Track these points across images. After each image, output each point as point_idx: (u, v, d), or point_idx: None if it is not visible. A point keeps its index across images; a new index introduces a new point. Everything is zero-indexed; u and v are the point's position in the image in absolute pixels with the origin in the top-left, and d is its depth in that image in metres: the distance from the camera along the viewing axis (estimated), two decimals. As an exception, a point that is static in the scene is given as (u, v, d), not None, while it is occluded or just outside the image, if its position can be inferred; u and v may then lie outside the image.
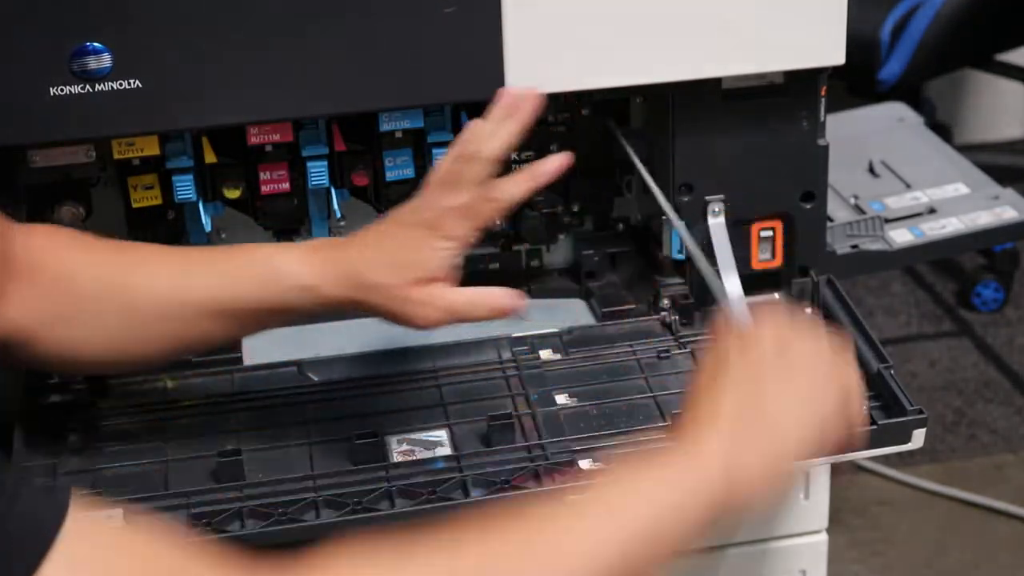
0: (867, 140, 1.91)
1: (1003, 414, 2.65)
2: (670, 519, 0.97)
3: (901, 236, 1.66)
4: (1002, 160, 3.22)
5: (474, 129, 1.24)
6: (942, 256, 2.15)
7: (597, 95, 1.44)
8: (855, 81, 2.80)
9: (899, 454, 1.87)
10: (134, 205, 1.44)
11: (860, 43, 2.72)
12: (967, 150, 2.09)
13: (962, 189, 1.78)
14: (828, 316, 1.50)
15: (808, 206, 1.50)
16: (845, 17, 1.40)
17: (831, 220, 1.61)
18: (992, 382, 2.75)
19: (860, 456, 1.37)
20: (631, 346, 1.48)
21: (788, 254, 1.52)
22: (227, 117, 1.35)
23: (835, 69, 1.44)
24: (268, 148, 1.43)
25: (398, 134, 1.44)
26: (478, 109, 1.45)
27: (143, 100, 1.30)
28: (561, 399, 1.41)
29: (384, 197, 1.49)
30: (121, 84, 1.29)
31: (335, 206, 1.47)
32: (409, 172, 1.47)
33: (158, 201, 1.44)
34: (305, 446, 1.35)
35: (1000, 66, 3.04)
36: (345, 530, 1.30)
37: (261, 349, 1.50)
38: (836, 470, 1.79)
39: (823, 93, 1.47)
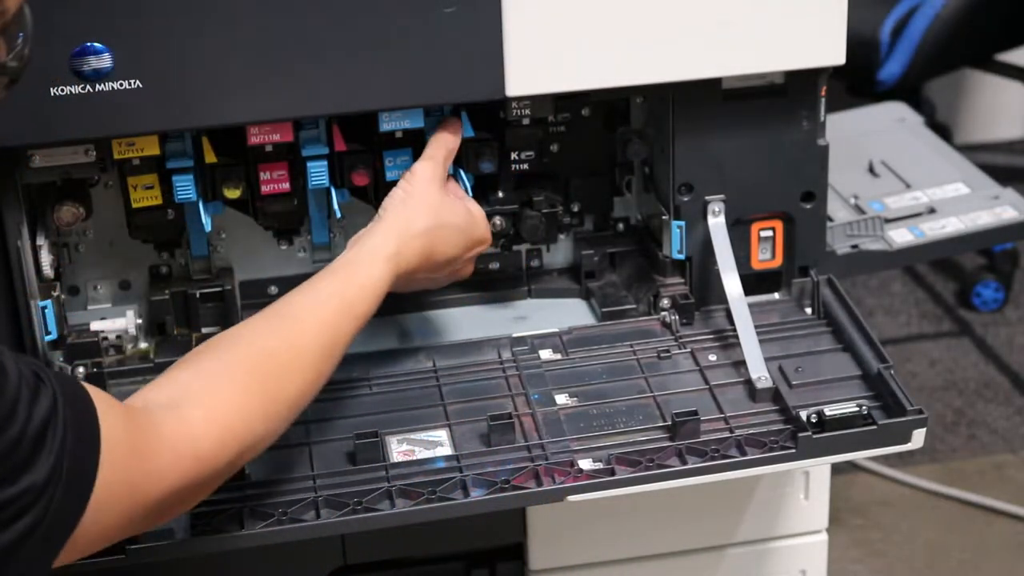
0: (867, 140, 1.91)
1: (1003, 414, 2.65)
2: (356, 297, 1.28)
3: (901, 236, 1.66)
4: (1002, 160, 3.22)
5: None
6: (942, 256, 2.15)
7: (597, 95, 1.44)
8: (855, 81, 2.80)
9: (899, 454, 1.88)
10: (134, 205, 1.44)
11: (860, 43, 2.72)
12: (967, 150, 2.09)
13: (962, 189, 1.78)
14: (828, 316, 1.50)
15: (808, 206, 1.50)
16: (845, 17, 1.40)
17: (831, 220, 1.61)
18: (992, 382, 2.75)
19: (860, 456, 1.37)
20: (631, 346, 1.48)
21: (788, 254, 1.52)
22: (227, 117, 1.35)
23: (835, 69, 1.44)
24: (268, 148, 1.43)
25: (398, 134, 1.45)
26: (478, 109, 1.45)
27: (143, 100, 1.30)
28: (561, 399, 1.41)
29: (384, 197, 1.49)
30: (121, 84, 1.30)
31: (335, 206, 1.47)
32: (409, 172, 1.47)
33: (158, 201, 1.44)
34: (305, 446, 1.35)
35: (1000, 66, 3.03)
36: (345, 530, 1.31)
37: (261, 349, 1.50)
38: (836, 470, 1.79)
39: (823, 93, 1.47)
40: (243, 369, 1.20)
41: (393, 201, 1.36)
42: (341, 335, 1.26)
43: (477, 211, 1.41)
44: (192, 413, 1.14)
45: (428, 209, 1.35)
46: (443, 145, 1.41)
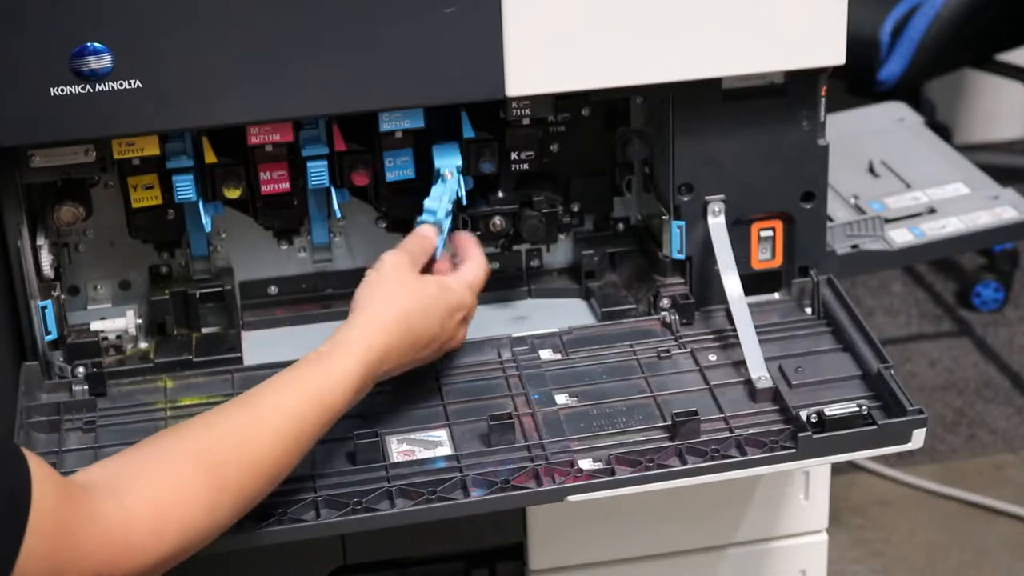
0: (867, 140, 1.91)
1: (1003, 414, 2.65)
2: (327, 388, 1.24)
3: (901, 236, 1.66)
4: (1002, 160, 3.22)
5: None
6: (942, 256, 2.15)
7: (597, 95, 1.44)
8: (855, 81, 2.80)
9: (899, 454, 1.88)
10: (134, 205, 1.44)
11: (860, 43, 2.72)
12: (967, 150, 2.09)
13: (962, 189, 1.78)
14: (828, 316, 1.50)
15: (808, 206, 1.50)
16: (845, 17, 1.40)
17: (831, 220, 1.61)
18: (992, 382, 2.75)
19: (860, 456, 1.37)
20: (631, 346, 1.48)
21: (788, 254, 1.52)
22: (227, 117, 1.35)
23: (835, 69, 1.44)
24: (268, 148, 1.43)
25: (398, 134, 1.45)
26: (478, 109, 1.45)
27: (143, 100, 1.30)
28: (561, 399, 1.41)
29: (384, 197, 1.50)
30: (121, 84, 1.30)
31: (335, 206, 1.47)
32: (409, 172, 1.47)
33: (158, 201, 1.45)
34: (305, 446, 1.35)
35: (1000, 66, 3.04)
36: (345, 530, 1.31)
37: (261, 349, 1.50)
38: (836, 470, 1.79)
39: (823, 93, 1.47)
40: (191, 456, 1.15)
41: (364, 292, 1.33)
42: (306, 429, 1.22)
43: (454, 280, 1.38)
44: (130, 499, 1.11)
45: (398, 296, 1.32)
46: (418, 242, 1.39)
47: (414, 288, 1.34)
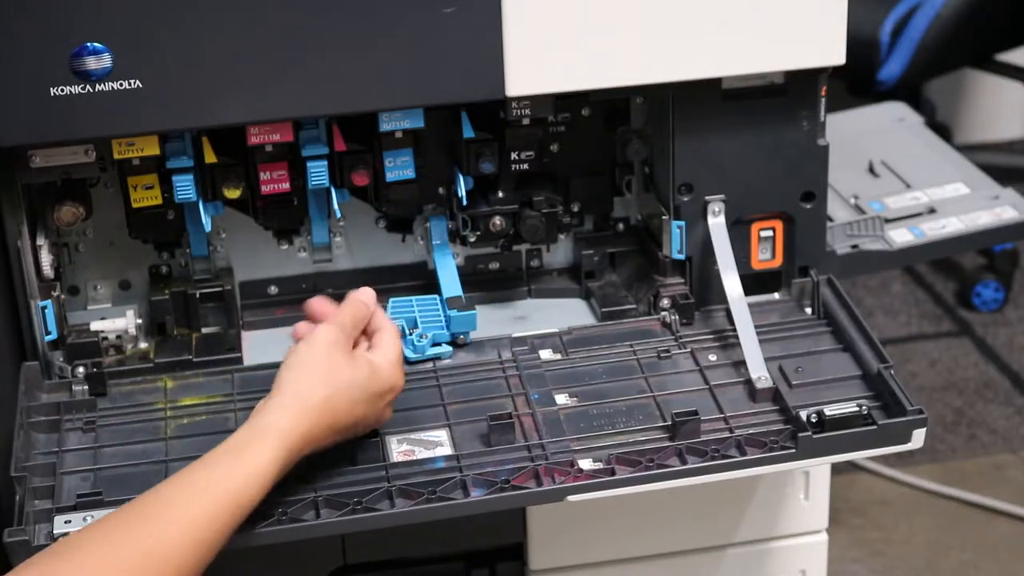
0: (867, 140, 1.91)
1: (1003, 414, 2.65)
2: (242, 484, 1.20)
3: (901, 236, 1.66)
4: (1002, 160, 3.22)
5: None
6: (942, 256, 2.15)
7: (597, 95, 1.44)
8: (855, 81, 2.80)
9: (899, 454, 1.88)
10: (134, 205, 1.44)
11: (860, 43, 2.72)
12: (967, 150, 2.09)
13: (962, 189, 1.78)
14: (828, 316, 1.50)
15: (808, 206, 1.50)
16: (845, 17, 1.40)
17: (831, 220, 1.61)
18: (992, 382, 2.75)
19: (860, 456, 1.37)
20: (631, 346, 1.48)
21: (788, 254, 1.52)
22: (227, 117, 1.35)
23: (835, 69, 1.44)
24: (268, 148, 1.43)
25: (398, 134, 1.45)
26: (478, 109, 1.45)
27: (143, 100, 1.30)
28: (561, 399, 1.41)
29: (384, 197, 1.50)
30: (121, 84, 1.30)
31: (335, 206, 1.47)
32: (409, 172, 1.47)
33: (158, 201, 1.45)
34: (305, 446, 1.35)
35: (1000, 66, 3.04)
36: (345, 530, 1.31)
37: (261, 349, 1.50)
38: (836, 470, 1.79)
39: (823, 93, 1.47)
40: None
41: (289, 369, 1.28)
42: (219, 527, 1.18)
43: (383, 359, 1.32)
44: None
45: (324, 376, 1.27)
46: (352, 311, 1.34)
47: (339, 372, 1.28)
